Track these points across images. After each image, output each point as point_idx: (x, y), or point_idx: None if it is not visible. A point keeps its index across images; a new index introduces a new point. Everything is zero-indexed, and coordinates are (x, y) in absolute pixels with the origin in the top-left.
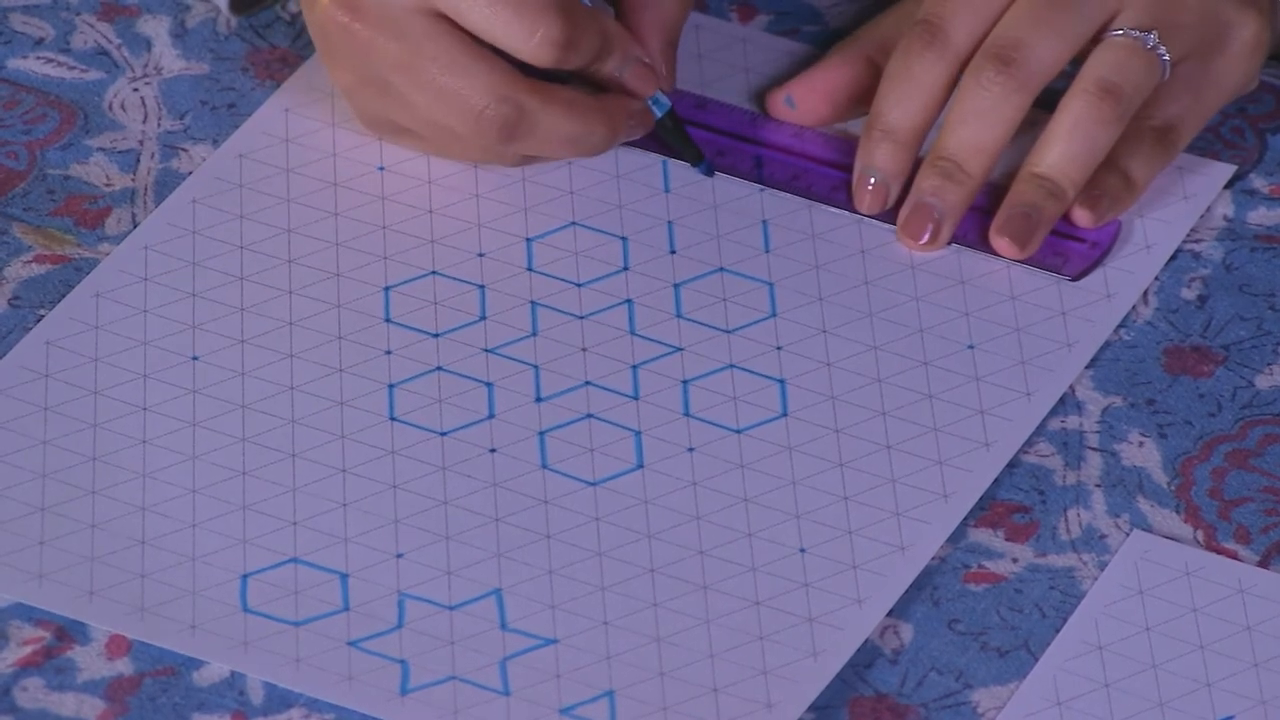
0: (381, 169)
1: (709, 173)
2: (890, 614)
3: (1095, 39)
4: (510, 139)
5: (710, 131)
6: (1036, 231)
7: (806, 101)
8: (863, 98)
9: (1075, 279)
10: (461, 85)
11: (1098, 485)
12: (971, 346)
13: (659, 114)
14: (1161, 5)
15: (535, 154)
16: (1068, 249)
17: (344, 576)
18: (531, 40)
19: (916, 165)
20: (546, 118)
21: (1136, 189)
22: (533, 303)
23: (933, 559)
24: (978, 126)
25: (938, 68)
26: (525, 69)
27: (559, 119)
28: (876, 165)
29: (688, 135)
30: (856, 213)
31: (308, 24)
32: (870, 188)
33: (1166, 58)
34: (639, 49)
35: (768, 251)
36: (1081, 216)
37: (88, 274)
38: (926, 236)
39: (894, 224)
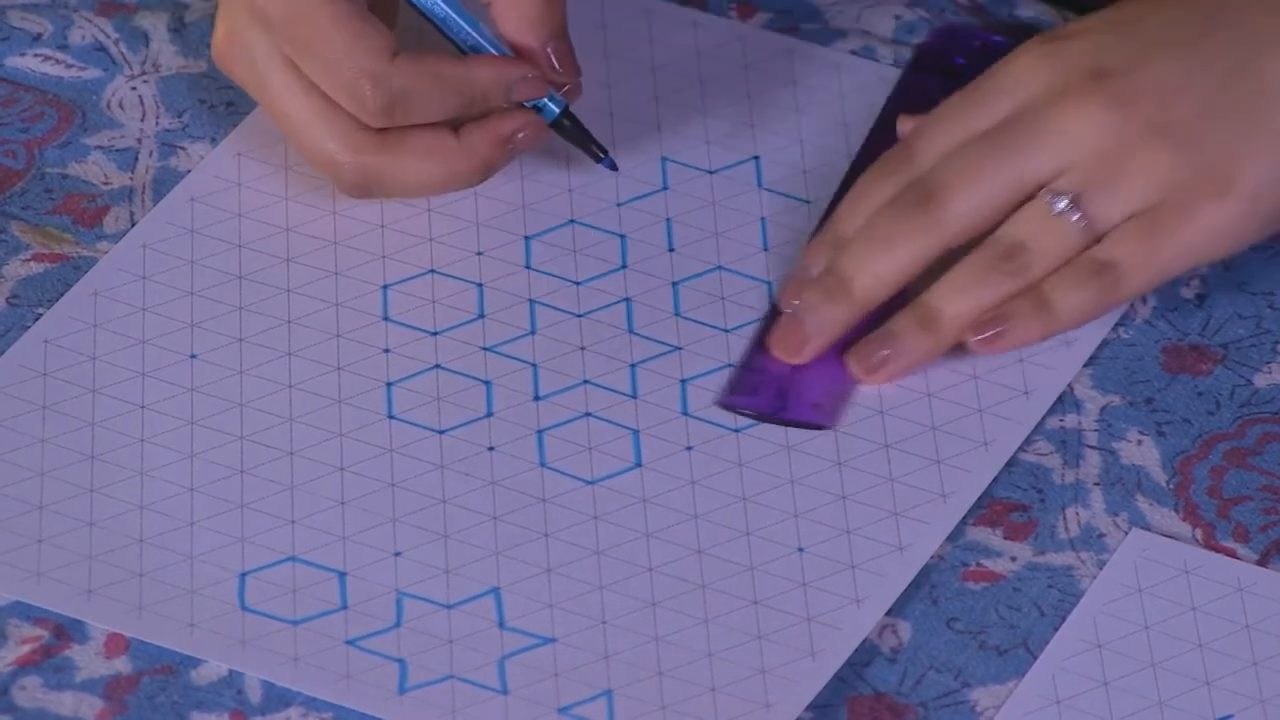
0: None
1: (613, 167)
2: (889, 612)
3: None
4: (365, 194)
5: None
6: (893, 365)
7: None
8: None
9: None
10: (311, 141)
11: (1096, 484)
12: None
13: (555, 111)
14: (1108, 168)
15: (403, 198)
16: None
17: (342, 575)
18: (360, 108)
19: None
20: (399, 171)
21: (1053, 317)
22: (531, 301)
23: (931, 557)
24: (874, 251)
25: (892, 192)
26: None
27: (413, 169)
28: (814, 271)
29: (588, 133)
30: None
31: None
32: (805, 284)
33: (1080, 231)
34: (516, 67)
35: (766, 250)
36: (976, 344)
37: (86, 272)
38: (794, 351)
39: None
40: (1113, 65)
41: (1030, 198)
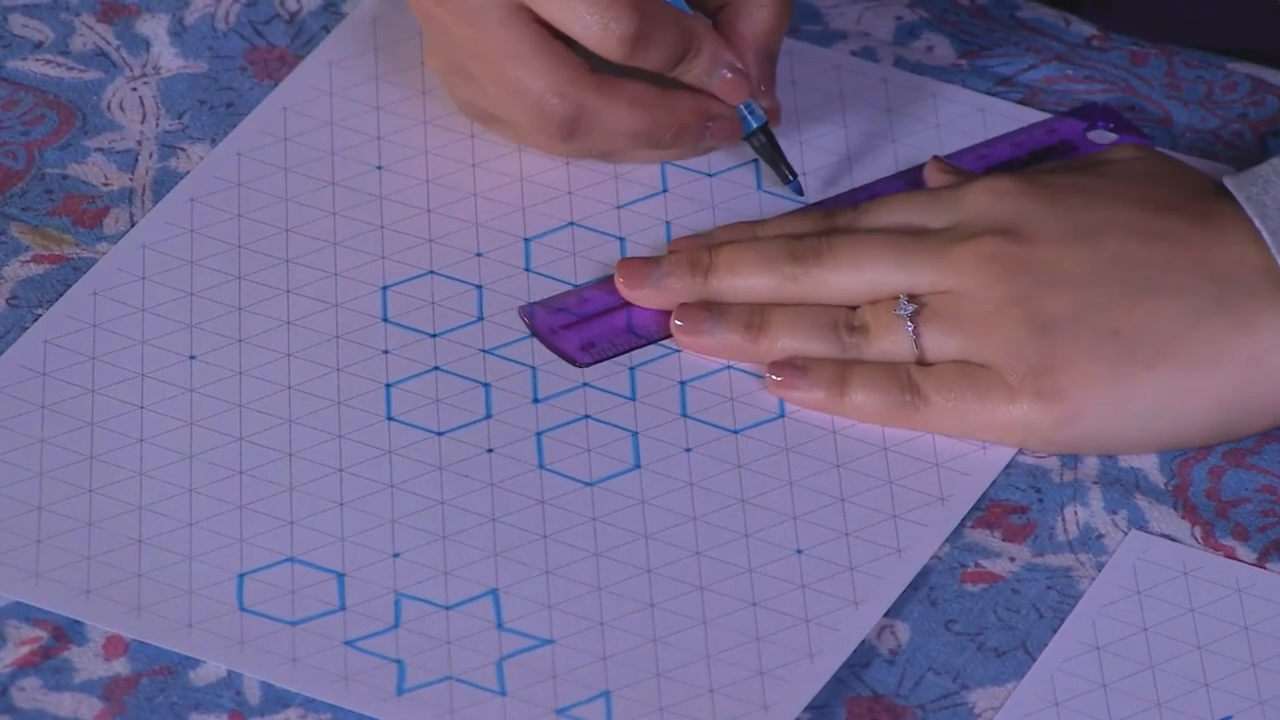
0: (379, 168)
1: (799, 192)
2: (887, 613)
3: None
4: (571, 135)
5: None
6: (684, 314)
7: None
8: None
9: None
10: (525, 78)
11: (1095, 485)
12: None
13: (753, 124)
14: (969, 311)
15: (606, 149)
16: None
17: (341, 576)
18: (603, 34)
19: None
20: (608, 114)
21: (842, 401)
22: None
23: (930, 558)
24: (750, 270)
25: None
26: (611, 66)
27: (621, 115)
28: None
29: (780, 152)
30: None
31: (410, 7)
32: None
33: (913, 336)
34: (731, 56)
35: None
36: (770, 381)
37: (86, 273)
38: (630, 286)
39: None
40: (1042, 235)
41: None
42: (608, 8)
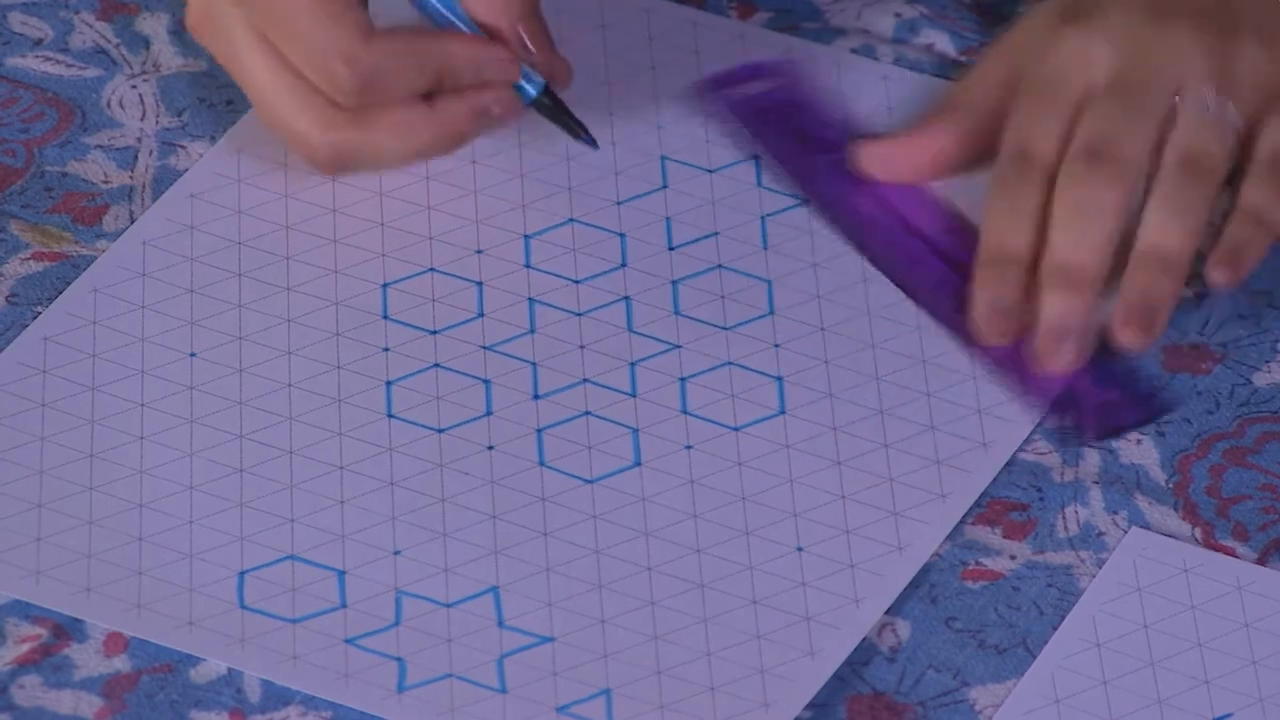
0: None
1: (593, 144)
2: (888, 611)
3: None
4: (343, 171)
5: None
6: (1158, 314)
7: (900, 163)
8: (957, 166)
9: (1100, 438)
10: (284, 118)
11: (1095, 482)
12: None
13: (533, 93)
14: (1222, 71)
15: (380, 171)
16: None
17: (341, 574)
18: (329, 85)
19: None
20: (372, 146)
21: (1270, 226)
22: (530, 299)
23: (930, 556)
24: (1082, 226)
25: (1038, 194)
26: None
27: (386, 142)
28: (1005, 294)
29: (567, 110)
30: (948, 326)
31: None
32: (1001, 318)
33: (1235, 118)
34: (486, 45)
35: (766, 248)
36: (1220, 276)
37: (85, 270)
38: (1069, 358)
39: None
40: (1160, 4)
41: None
42: (329, 63)
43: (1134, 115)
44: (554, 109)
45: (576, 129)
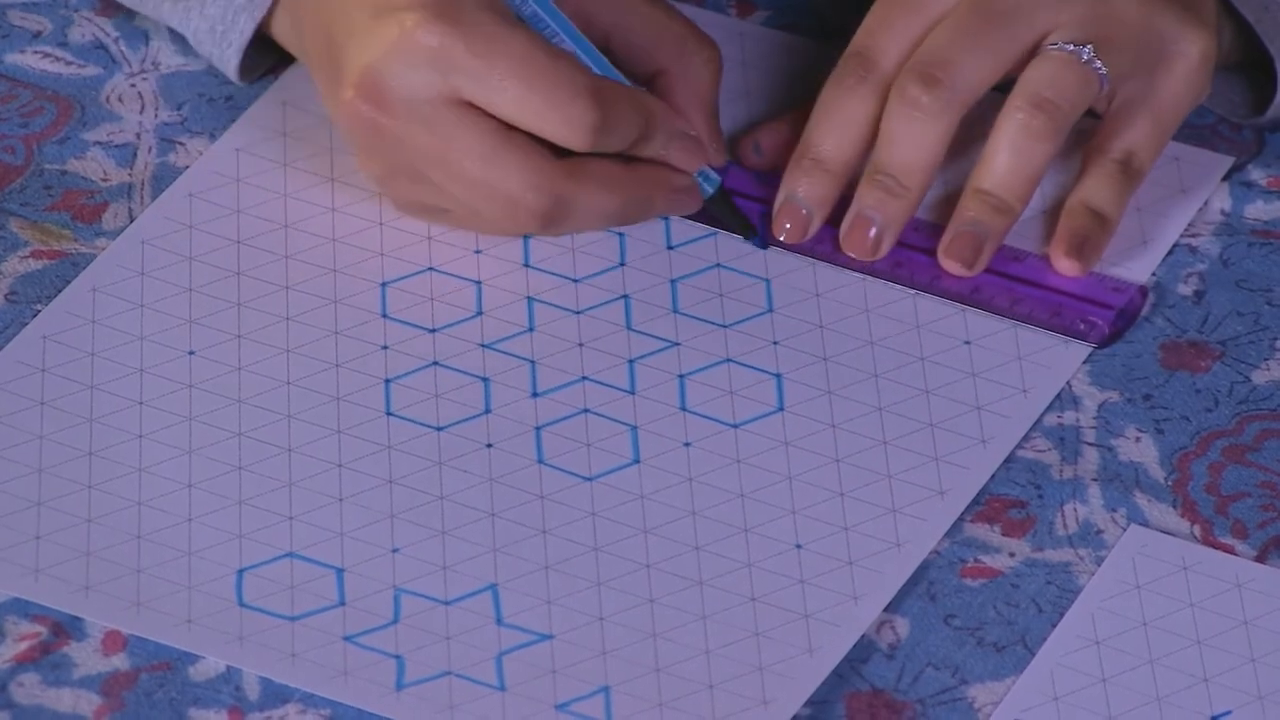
0: None
1: (763, 246)
2: (886, 609)
3: (1031, 54)
4: (549, 225)
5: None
6: (984, 249)
7: (775, 149)
8: None
9: (1101, 345)
10: (496, 177)
11: (1094, 480)
12: (968, 342)
13: (710, 190)
14: (1097, 22)
15: (581, 230)
16: (1091, 314)
17: (340, 571)
18: (567, 128)
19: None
20: (583, 199)
21: (1110, 225)
22: (529, 298)
23: (929, 554)
24: (908, 146)
25: (870, 101)
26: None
27: (595, 198)
28: (801, 193)
29: (738, 210)
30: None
31: (331, 115)
32: (795, 215)
33: (1103, 71)
34: (682, 124)
35: (764, 247)
36: (1067, 266)
37: (85, 269)
38: (868, 246)
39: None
40: None
41: (1031, 54)
42: (569, 103)
43: (984, 43)
44: (724, 206)
45: (747, 228)
